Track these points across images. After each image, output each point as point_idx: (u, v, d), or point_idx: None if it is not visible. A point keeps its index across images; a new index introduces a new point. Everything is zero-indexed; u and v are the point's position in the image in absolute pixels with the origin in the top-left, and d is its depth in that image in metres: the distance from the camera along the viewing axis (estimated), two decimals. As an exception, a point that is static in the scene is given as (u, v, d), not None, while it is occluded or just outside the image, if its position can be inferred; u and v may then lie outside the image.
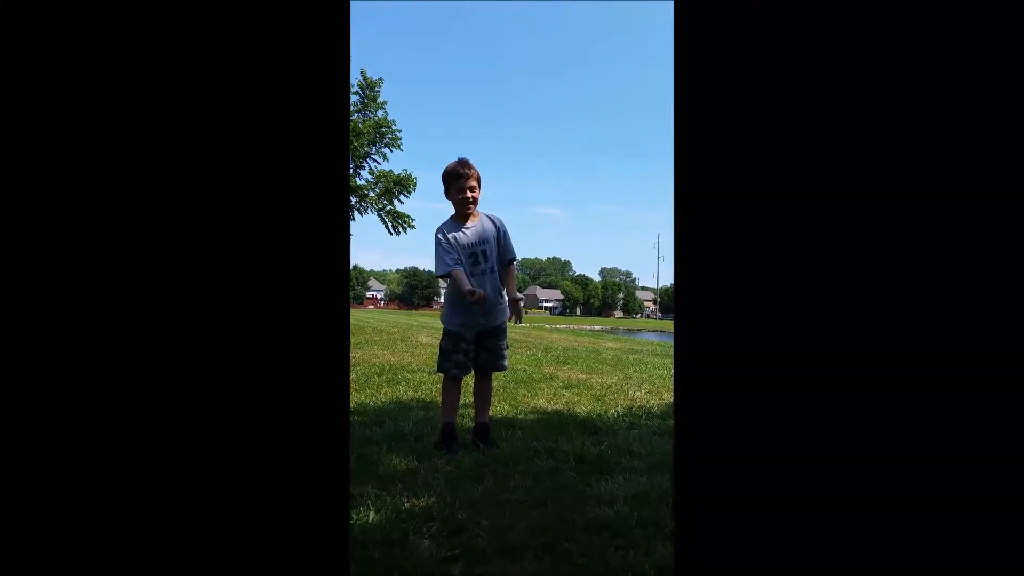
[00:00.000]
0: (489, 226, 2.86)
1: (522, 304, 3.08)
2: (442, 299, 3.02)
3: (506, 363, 2.95)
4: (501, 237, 2.89)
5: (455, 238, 2.80)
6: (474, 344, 2.83)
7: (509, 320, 2.96)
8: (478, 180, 2.83)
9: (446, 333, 2.84)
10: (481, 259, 2.80)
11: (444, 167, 2.86)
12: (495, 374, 3.02)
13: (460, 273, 2.73)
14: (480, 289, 2.74)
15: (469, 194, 2.79)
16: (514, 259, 2.96)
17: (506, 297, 2.92)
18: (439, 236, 2.82)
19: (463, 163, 2.81)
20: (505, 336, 2.92)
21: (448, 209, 2.91)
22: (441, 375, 2.91)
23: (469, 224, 2.83)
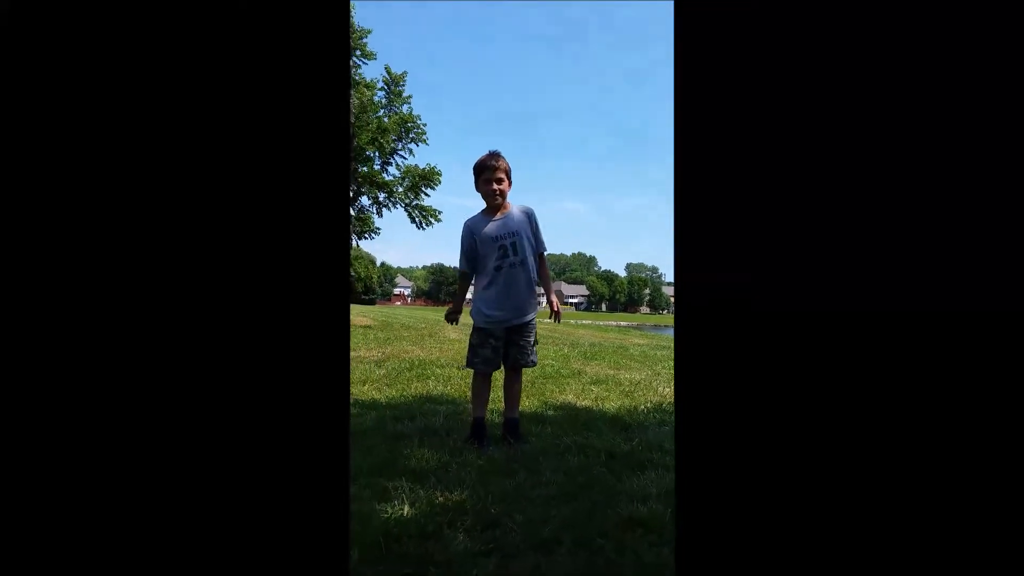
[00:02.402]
0: (520, 217, 2.84)
1: (556, 301, 3.06)
2: (470, 295, 3.04)
3: (535, 358, 2.94)
4: (534, 228, 2.88)
5: (483, 233, 2.80)
6: (503, 340, 2.83)
7: (549, 318, 3.00)
8: (507, 172, 2.83)
9: (475, 329, 2.85)
10: (510, 251, 2.79)
11: (475, 160, 2.88)
12: (524, 370, 3.02)
13: (465, 283, 2.94)
14: (509, 281, 2.78)
15: (496, 186, 2.79)
16: (544, 250, 2.95)
17: (536, 293, 2.92)
18: (464, 231, 2.84)
19: (493, 155, 2.82)
20: (534, 331, 2.92)
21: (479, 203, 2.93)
22: (471, 371, 2.92)
23: (499, 216, 2.82)
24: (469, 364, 2.87)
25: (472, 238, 2.80)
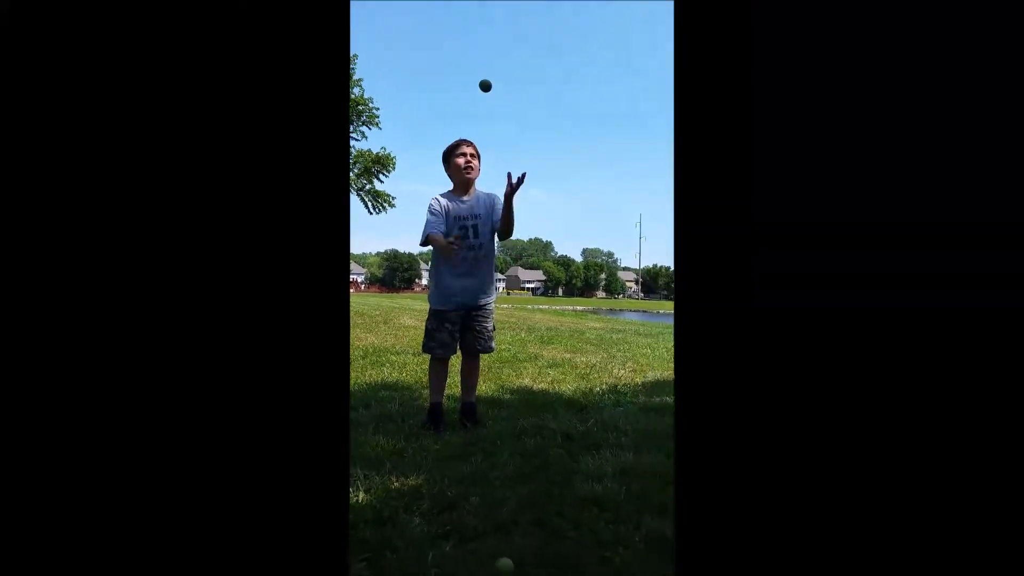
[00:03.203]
0: (486, 200, 2.82)
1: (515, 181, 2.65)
2: (424, 281, 3.02)
3: (493, 344, 2.94)
4: (495, 213, 2.85)
5: (447, 207, 2.78)
6: (460, 324, 2.81)
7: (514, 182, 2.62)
8: (477, 153, 2.84)
9: (432, 312, 2.82)
10: (471, 233, 2.76)
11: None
12: (481, 355, 3.02)
13: (436, 235, 2.67)
14: (466, 264, 2.75)
15: (470, 160, 2.79)
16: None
17: (494, 278, 2.93)
18: (431, 203, 2.81)
19: (463, 140, 2.85)
20: (492, 317, 2.91)
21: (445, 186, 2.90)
22: (427, 357, 2.90)
23: (466, 198, 2.81)
24: (426, 349, 2.85)
25: (440, 207, 2.76)
